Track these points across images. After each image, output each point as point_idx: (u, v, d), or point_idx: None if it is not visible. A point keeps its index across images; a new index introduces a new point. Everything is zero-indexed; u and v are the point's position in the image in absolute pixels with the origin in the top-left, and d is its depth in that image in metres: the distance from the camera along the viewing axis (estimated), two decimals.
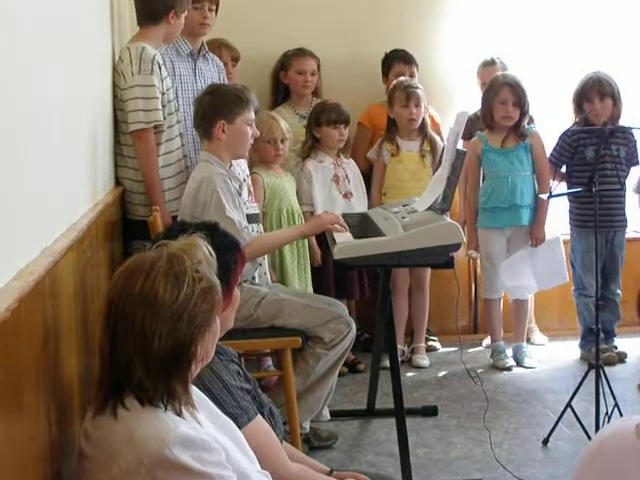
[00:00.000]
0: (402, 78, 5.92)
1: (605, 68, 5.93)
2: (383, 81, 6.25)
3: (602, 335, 5.86)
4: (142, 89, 4.54)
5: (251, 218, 4.76)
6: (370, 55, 6.37)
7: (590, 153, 5.68)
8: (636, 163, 5.92)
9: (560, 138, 5.89)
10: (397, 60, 6.16)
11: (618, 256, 5.91)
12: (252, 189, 4.95)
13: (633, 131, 5.75)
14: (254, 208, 4.87)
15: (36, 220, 2.49)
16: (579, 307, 6.03)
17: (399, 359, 5.86)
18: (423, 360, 6.00)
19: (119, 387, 2.16)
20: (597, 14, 6.55)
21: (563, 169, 5.92)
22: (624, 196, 5.83)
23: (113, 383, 2.17)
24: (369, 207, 5.65)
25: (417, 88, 5.82)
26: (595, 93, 5.75)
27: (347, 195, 5.72)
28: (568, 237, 6.07)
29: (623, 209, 5.89)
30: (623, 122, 5.75)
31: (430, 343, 6.23)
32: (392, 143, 5.89)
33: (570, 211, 5.98)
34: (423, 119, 5.89)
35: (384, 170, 5.93)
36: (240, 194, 4.39)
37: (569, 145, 5.85)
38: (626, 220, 5.95)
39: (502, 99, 5.70)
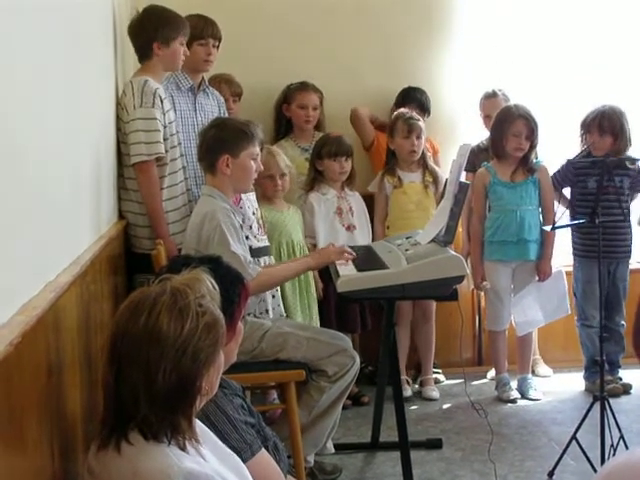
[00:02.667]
0: (403, 110, 5.93)
1: (608, 99, 5.95)
2: (393, 110, 6.26)
3: (607, 367, 5.87)
4: (144, 122, 4.56)
5: (262, 251, 4.77)
6: (373, 88, 6.40)
7: (592, 184, 5.69)
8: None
9: (566, 164, 5.89)
10: (410, 103, 6.17)
11: (620, 287, 5.90)
12: (261, 222, 4.94)
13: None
14: (264, 241, 4.87)
15: (39, 254, 2.49)
16: (582, 337, 6.02)
17: (407, 391, 5.93)
18: (433, 392, 5.98)
19: (123, 422, 2.16)
20: (597, 47, 6.58)
21: (567, 194, 5.93)
22: (628, 227, 5.82)
23: (117, 418, 2.17)
24: (373, 241, 5.64)
25: (419, 120, 5.83)
26: (595, 128, 5.79)
27: (350, 228, 5.72)
28: (568, 268, 6.07)
29: (626, 240, 5.88)
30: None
31: (434, 375, 6.21)
32: (393, 175, 5.89)
33: (573, 241, 5.99)
34: (423, 151, 5.91)
35: (386, 203, 5.93)
36: (242, 228, 4.39)
37: (572, 173, 5.89)
38: (629, 251, 5.94)
39: (516, 131, 5.70)
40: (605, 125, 5.77)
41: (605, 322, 5.55)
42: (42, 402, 2.27)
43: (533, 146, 5.77)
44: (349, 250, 4.39)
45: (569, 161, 5.81)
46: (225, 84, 5.74)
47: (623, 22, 6.61)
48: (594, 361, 5.86)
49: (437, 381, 6.20)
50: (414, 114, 5.89)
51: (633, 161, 5.72)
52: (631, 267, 6.11)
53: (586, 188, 5.79)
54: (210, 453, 2.28)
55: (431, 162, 5.99)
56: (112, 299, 3.83)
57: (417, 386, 6.11)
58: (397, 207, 5.89)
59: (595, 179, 5.57)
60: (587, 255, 5.77)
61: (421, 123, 5.83)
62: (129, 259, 4.66)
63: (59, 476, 2.41)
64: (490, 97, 6.27)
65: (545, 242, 5.82)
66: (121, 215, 4.70)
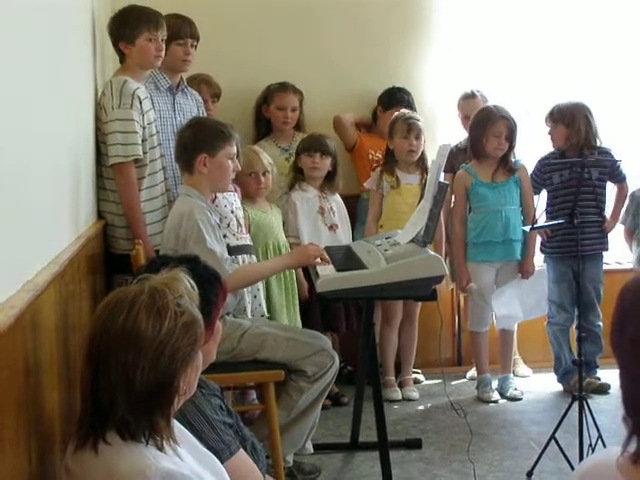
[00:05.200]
0: (404, 110, 5.94)
1: (583, 97, 6.00)
2: (379, 111, 6.28)
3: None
4: (121, 123, 4.56)
5: (243, 249, 4.77)
6: (355, 89, 6.41)
7: (557, 178, 5.82)
8: (621, 180, 5.95)
9: (536, 164, 6.01)
10: (398, 104, 6.17)
11: (590, 288, 5.88)
12: (242, 221, 4.94)
13: (611, 152, 5.83)
14: (245, 239, 4.87)
15: (17, 254, 2.48)
16: (548, 335, 6.08)
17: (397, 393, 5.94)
18: (413, 392, 5.99)
19: (100, 422, 2.15)
20: (578, 47, 6.62)
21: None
22: (598, 225, 5.82)
23: (94, 418, 2.16)
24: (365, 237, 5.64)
25: (418, 120, 5.84)
26: (547, 118, 5.90)
27: (333, 227, 5.72)
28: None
29: (592, 238, 5.85)
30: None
31: (414, 376, 6.22)
32: (392, 175, 5.88)
33: (541, 241, 6.03)
34: (423, 153, 5.91)
35: (381, 201, 5.92)
36: (220, 227, 4.39)
37: (541, 171, 5.97)
38: (598, 249, 5.95)
39: (497, 132, 5.72)
40: (555, 116, 5.83)
41: (582, 322, 5.63)
42: (20, 402, 2.26)
43: (512, 147, 5.80)
44: (326, 255, 4.40)
45: (538, 161, 5.93)
46: (204, 85, 5.73)
47: (602, 22, 6.63)
48: (560, 361, 5.91)
49: (416, 381, 6.21)
50: (414, 114, 5.90)
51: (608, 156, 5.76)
52: (608, 267, 6.14)
53: (552, 185, 5.84)
54: (187, 453, 2.28)
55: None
56: (91, 299, 3.82)
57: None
58: (392, 207, 5.87)
59: (559, 174, 5.70)
60: (557, 253, 5.83)
61: (420, 123, 5.83)
62: (108, 259, 4.65)
63: (36, 476, 2.40)
64: (469, 98, 6.29)
65: (527, 241, 5.85)
66: (100, 215, 4.69)
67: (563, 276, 5.81)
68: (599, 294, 5.94)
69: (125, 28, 4.71)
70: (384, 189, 5.90)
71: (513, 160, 5.85)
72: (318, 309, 5.69)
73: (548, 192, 5.93)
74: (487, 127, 5.74)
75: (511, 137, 5.76)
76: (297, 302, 5.42)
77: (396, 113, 5.96)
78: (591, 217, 5.56)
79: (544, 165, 5.89)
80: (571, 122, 5.80)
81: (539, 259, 6.07)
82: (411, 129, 5.80)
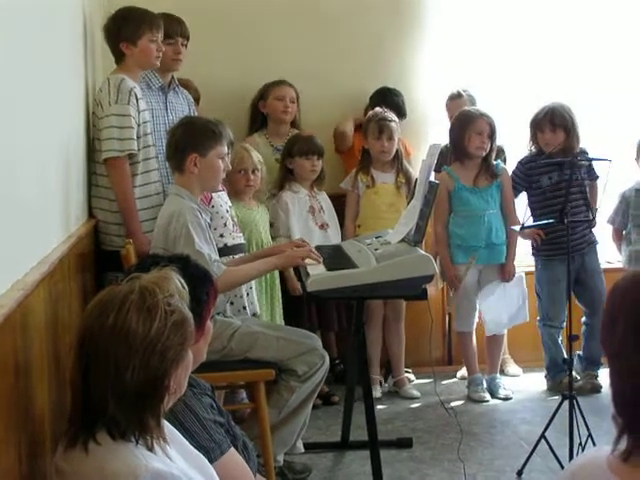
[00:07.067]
0: (378, 109, 5.94)
1: (571, 99, 6.02)
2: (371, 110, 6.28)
3: (584, 364, 5.92)
4: (118, 118, 4.58)
5: (239, 248, 4.77)
6: (346, 89, 6.41)
7: (546, 181, 5.81)
8: (596, 178, 5.95)
9: (515, 167, 6.00)
10: (388, 107, 6.12)
11: (597, 280, 5.89)
12: (236, 219, 4.93)
13: (588, 152, 5.83)
14: (240, 238, 4.87)
15: (7, 253, 2.48)
16: (544, 338, 6.04)
17: (380, 391, 5.93)
18: (413, 390, 6.00)
19: (91, 421, 2.15)
20: (568, 48, 6.64)
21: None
22: (587, 220, 5.82)
23: (85, 417, 2.16)
24: (343, 239, 5.66)
25: (391, 121, 5.84)
26: (547, 123, 5.83)
27: (324, 226, 5.73)
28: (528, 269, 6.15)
29: (585, 232, 5.88)
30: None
31: (405, 375, 6.22)
32: (367, 174, 5.90)
33: (533, 244, 6.01)
34: (398, 152, 5.92)
35: (358, 201, 5.94)
36: (210, 227, 4.38)
37: (524, 174, 5.94)
38: (593, 241, 5.97)
39: (479, 129, 5.71)
40: (557, 121, 5.81)
41: (590, 320, 5.66)
42: (9, 402, 2.26)
43: (492, 148, 5.80)
44: (316, 253, 4.39)
45: (519, 162, 5.93)
46: (184, 89, 5.69)
47: (591, 23, 6.65)
48: (555, 361, 5.91)
49: (407, 380, 6.21)
50: (388, 114, 5.88)
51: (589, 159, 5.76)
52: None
53: (540, 187, 5.84)
54: (177, 453, 2.28)
55: (405, 163, 6.00)
56: (81, 298, 3.81)
57: (387, 385, 6.11)
58: (369, 206, 5.89)
59: (548, 176, 5.70)
60: (550, 255, 5.84)
61: (394, 124, 5.84)
62: (99, 257, 4.65)
63: (26, 476, 2.39)
64: (455, 98, 6.29)
65: (509, 244, 5.86)
66: (91, 212, 4.68)
67: (561, 276, 5.78)
68: (604, 285, 5.91)
69: (127, 29, 4.74)
70: (360, 189, 5.91)
71: (494, 163, 5.85)
72: (312, 307, 5.70)
73: (534, 194, 5.90)
74: (469, 126, 5.74)
75: (492, 136, 5.76)
76: (277, 302, 5.41)
77: (370, 112, 5.97)
78: (581, 216, 5.57)
79: (530, 168, 5.88)
80: (572, 127, 5.81)
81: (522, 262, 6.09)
82: (383, 130, 5.82)
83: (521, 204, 5.86)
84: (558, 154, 5.64)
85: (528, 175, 5.92)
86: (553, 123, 5.82)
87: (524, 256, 6.17)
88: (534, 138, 5.94)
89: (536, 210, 5.82)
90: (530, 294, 6.03)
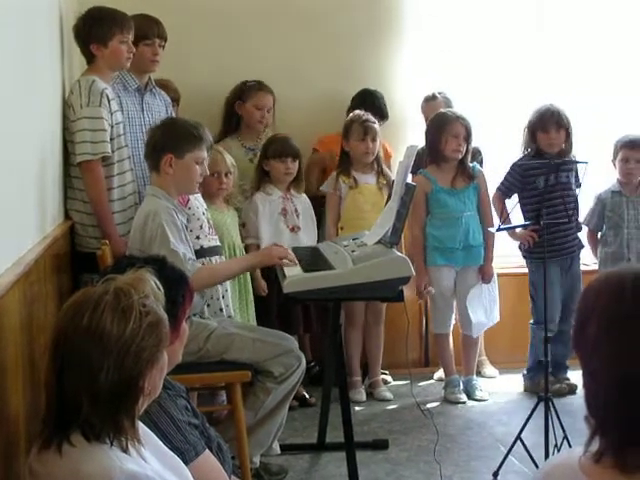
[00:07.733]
0: (359, 112, 5.94)
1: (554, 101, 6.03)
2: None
3: (550, 369, 5.92)
4: (90, 121, 4.56)
5: (213, 250, 4.75)
6: (324, 91, 6.42)
7: (542, 182, 5.77)
8: (579, 185, 5.97)
9: (511, 168, 5.96)
10: (369, 110, 6.08)
11: (577, 286, 5.91)
12: (211, 222, 4.92)
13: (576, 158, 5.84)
14: (215, 240, 4.84)
15: None
16: (534, 340, 6.01)
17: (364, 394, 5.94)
18: (387, 392, 6.01)
19: (65, 423, 2.14)
20: (548, 50, 6.67)
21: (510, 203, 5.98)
22: (574, 222, 5.84)
23: (59, 418, 2.15)
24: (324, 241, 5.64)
25: (374, 123, 5.85)
26: (552, 124, 5.81)
27: (294, 229, 5.71)
28: (516, 270, 6.18)
29: (575, 236, 5.94)
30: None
31: (381, 377, 6.23)
32: (348, 176, 5.89)
33: (525, 245, 5.99)
34: (378, 153, 5.92)
35: (339, 203, 5.93)
36: (187, 228, 4.37)
37: (520, 175, 5.91)
38: (581, 246, 6.01)
39: (455, 132, 5.73)
40: (563, 121, 5.82)
41: (560, 324, 5.67)
42: None
43: (468, 150, 5.81)
44: (292, 256, 4.39)
45: (515, 164, 5.89)
46: (163, 90, 5.68)
47: (573, 25, 6.70)
48: (540, 362, 5.92)
49: (384, 382, 6.22)
50: (370, 116, 5.89)
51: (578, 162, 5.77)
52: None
53: (536, 189, 5.84)
54: (151, 455, 2.27)
55: (384, 166, 6.00)
56: (57, 299, 3.80)
57: (363, 387, 6.11)
58: (353, 207, 5.88)
59: (545, 177, 5.68)
60: (541, 257, 5.85)
61: (376, 126, 5.85)
62: (75, 259, 4.64)
63: (0, 477, 2.38)
64: (430, 100, 6.30)
65: (486, 245, 5.89)
66: (67, 214, 4.67)
67: (554, 278, 5.79)
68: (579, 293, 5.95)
69: (98, 30, 4.70)
70: (341, 191, 5.91)
71: (470, 165, 5.86)
72: (275, 310, 5.69)
73: (528, 196, 5.84)
74: (445, 129, 5.75)
75: (468, 139, 5.78)
76: (251, 303, 5.40)
77: (351, 115, 5.97)
78: (562, 215, 5.58)
79: (526, 169, 5.85)
80: (571, 130, 5.83)
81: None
82: (367, 132, 5.82)
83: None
84: (553, 156, 5.66)
85: (524, 177, 5.90)
86: (559, 124, 5.82)
87: (496, 258, 6.15)
88: (533, 139, 5.91)
89: (530, 212, 5.77)
90: (518, 296, 6.03)
